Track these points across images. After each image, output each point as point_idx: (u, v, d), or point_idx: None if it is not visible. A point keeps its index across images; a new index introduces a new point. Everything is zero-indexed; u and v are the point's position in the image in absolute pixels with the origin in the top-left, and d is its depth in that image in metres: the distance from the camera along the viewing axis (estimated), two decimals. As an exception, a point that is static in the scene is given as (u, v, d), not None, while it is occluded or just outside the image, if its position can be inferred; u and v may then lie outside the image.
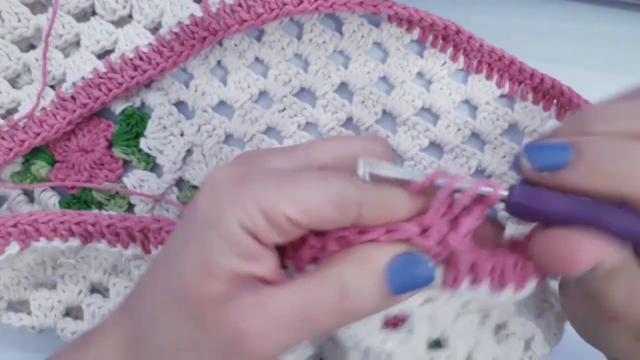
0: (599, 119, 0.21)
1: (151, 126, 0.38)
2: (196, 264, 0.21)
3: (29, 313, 0.36)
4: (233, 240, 0.20)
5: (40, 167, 0.39)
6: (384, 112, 0.39)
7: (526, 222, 0.22)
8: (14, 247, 0.34)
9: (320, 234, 0.22)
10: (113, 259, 0.36)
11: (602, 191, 0.20)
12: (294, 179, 0.20)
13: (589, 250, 0.19)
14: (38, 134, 0.37)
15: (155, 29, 0.37)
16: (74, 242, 0.34)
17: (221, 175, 0.21)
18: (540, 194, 0.21)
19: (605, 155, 0.20)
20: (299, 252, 0.22)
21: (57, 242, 0.34)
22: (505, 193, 0.21)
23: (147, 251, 0.35)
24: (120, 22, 0.38)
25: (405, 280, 0.20)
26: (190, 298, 0.21)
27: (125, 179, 0.39)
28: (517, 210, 0.21)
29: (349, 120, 0.39)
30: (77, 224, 0.34)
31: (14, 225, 0.34)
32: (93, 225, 0.34)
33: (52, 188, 0.39)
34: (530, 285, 0.22)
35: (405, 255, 0.21)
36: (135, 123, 0.38)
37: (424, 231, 0.21)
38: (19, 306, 0.37)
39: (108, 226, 0.34)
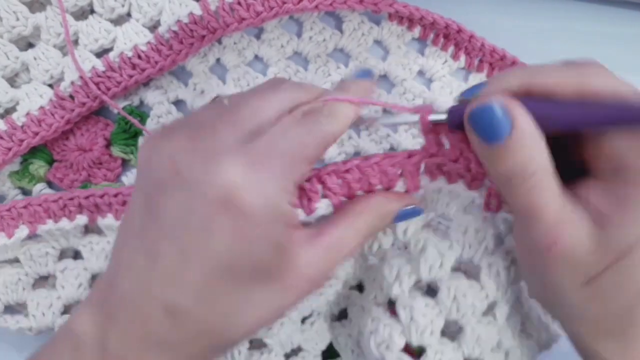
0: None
1: (150, 125, 0.38)
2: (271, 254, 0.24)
3: (27, 315, 0.36)
4: (293, 221, 0.25)
5: (38, 167, 0.38)
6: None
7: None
8: (23, 230, 0.35)
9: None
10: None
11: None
12: (292, 149, 0.24)
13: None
14: (37, 133, 0.37)
15: (154, 28, 0.37)
16: (81, 219, 0.35)
17: (235, 165, 0.22)
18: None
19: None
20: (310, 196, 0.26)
21: (64, 222, 0.35)
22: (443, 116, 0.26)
23: None
24: (118, 21, 0.38)
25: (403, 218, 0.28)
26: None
27: (124, 178, 0.38)
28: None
29: (349, 119, 0.39)
30: (86, 197, 0.35)
31: (25, 207, 0.35)
32: (101, 197, 0.35)
33: (50, 187, 0.39)
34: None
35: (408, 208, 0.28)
36: (134, 122, 0.38)
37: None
38: (17, 307, 0.37)
39: (115, 195, 0.35)
